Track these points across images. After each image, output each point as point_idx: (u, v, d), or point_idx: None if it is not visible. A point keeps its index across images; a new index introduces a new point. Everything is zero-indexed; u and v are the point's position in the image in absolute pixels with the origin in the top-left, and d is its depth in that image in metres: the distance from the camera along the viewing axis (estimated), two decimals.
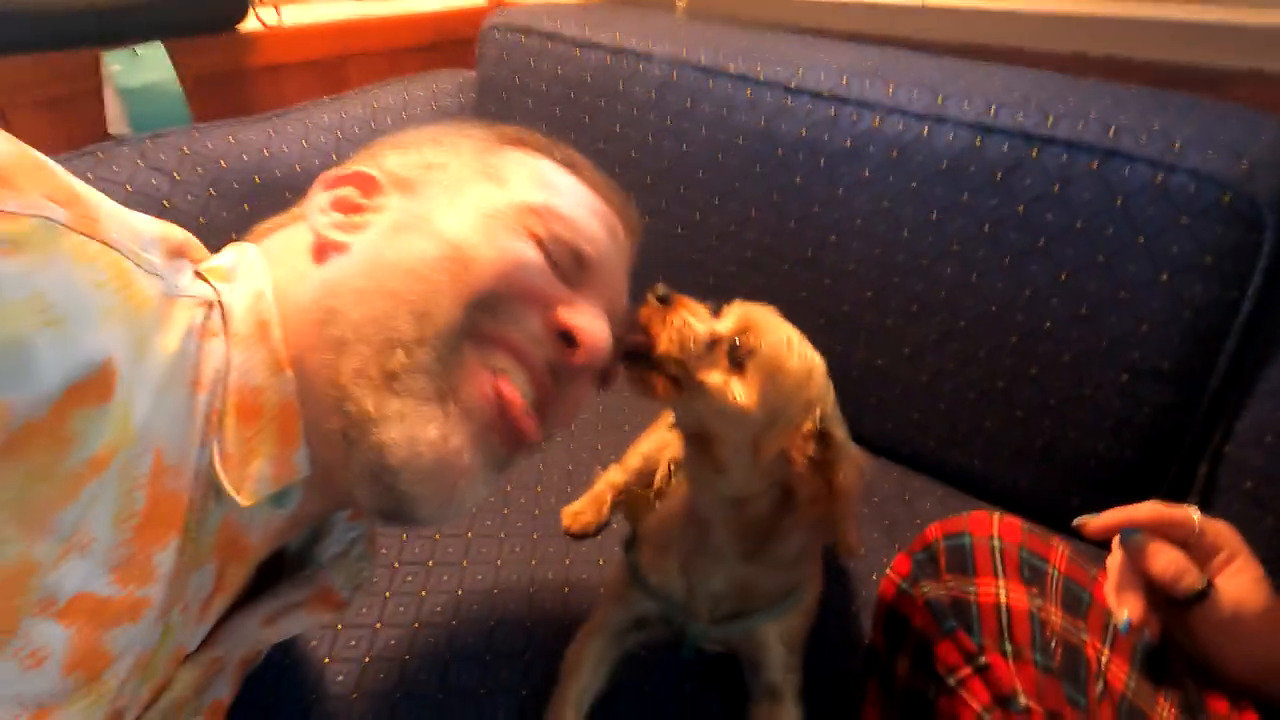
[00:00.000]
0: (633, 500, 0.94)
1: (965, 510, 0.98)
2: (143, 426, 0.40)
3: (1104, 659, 0.59)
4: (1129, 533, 0.55)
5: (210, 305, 0.47)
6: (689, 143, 1.12)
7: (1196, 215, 0.77)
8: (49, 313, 0.34)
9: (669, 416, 0.83)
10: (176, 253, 0.48)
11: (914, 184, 0.93)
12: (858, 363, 1.06)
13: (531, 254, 0.54)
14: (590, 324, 0.55)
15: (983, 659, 0.64)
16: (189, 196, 1.01)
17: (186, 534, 0.44)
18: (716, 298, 1.14)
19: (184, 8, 1.11)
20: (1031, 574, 0.65)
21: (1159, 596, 0.55)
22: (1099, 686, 0.58)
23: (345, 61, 1.39)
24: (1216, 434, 0.86)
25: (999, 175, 0.87)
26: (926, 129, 0.92)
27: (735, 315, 0.66)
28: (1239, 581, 0.54)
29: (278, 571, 0.59)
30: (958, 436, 1.01)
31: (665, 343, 0.62)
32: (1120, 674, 0.58)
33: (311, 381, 0.49)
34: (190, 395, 0.44)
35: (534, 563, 0.88)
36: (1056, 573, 0.64)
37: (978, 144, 0.88)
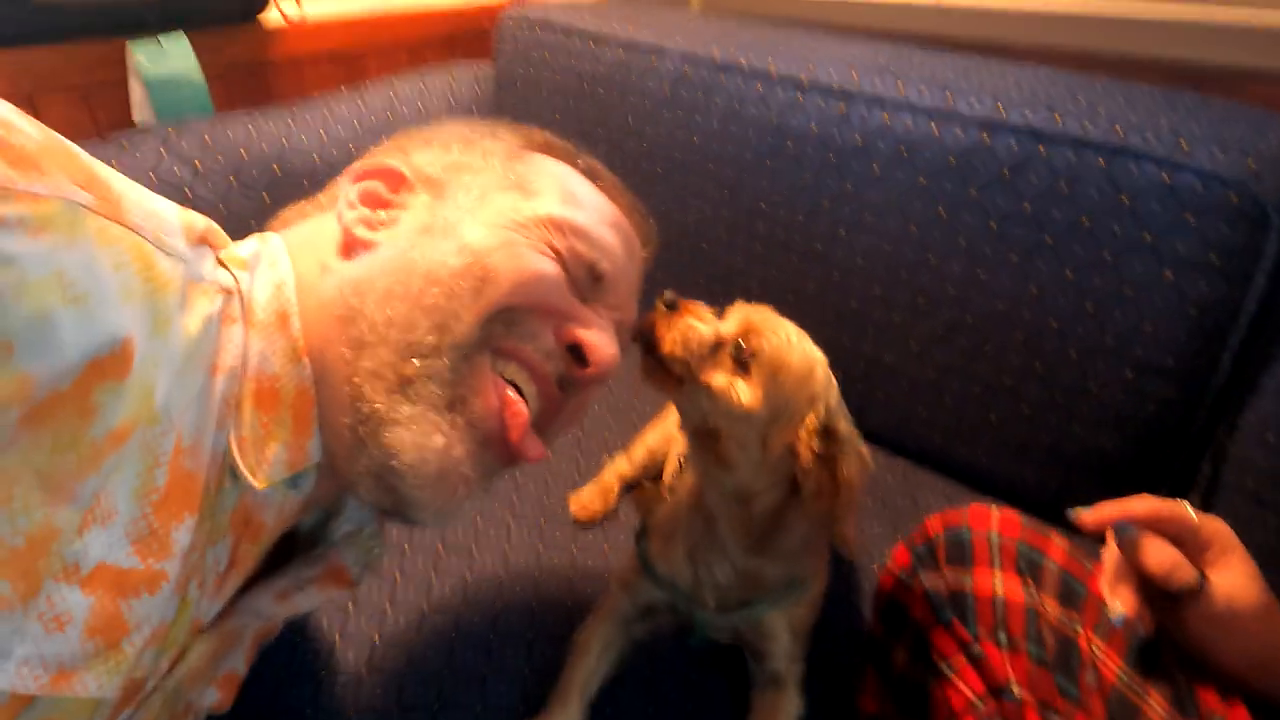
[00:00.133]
0: (643, 492, 0.96)
1: (969, 503, 0.99)
2: (164, 406, 0.42)
3: (1096, 650, 0.60)
4: (1123, 527, 0.56)
5: (230, 293, 0.49)
6: (701, 137, 1.13)
7: (1202, 214, 0.77)
8: (70, 290, 0.36)
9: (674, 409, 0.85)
10: (200, 239, 0.49)
11: (922, 180, 0.94)
12: (865, 357, 1.07)
13: (550, 268, 0.55)
14: (600, 340, 0.57)
15: (977, 649, 0.65)
16: (210, 185, 1.03)
17: (203, 512, 0.46)
18: (726, 288, 1.16)
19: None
20: (1028, 566, 0.65)
21: (1153, 590, 0.55)
22: (1091, 677, 0.59)
23: (365, 54, 1.41)
24: (1220, 431, 0.86)
25: (1007, 173, 0.87)
26: (935, 126, 0.92)
27: (738, 317, 0.67)
28: (1232, 577, 0.54)
29: (291, 549, 0.61)
30: (963, 431, 1.02)
31: (669, 344, 0.64)
32: (1112, 665, 0.59)
33: (329, 374, 0.51)
34: (208, 378, 0.46)
35: (541, 549, 0.90)
36: (1054, 566, 0.65)
37: (986, 141, 0.89)
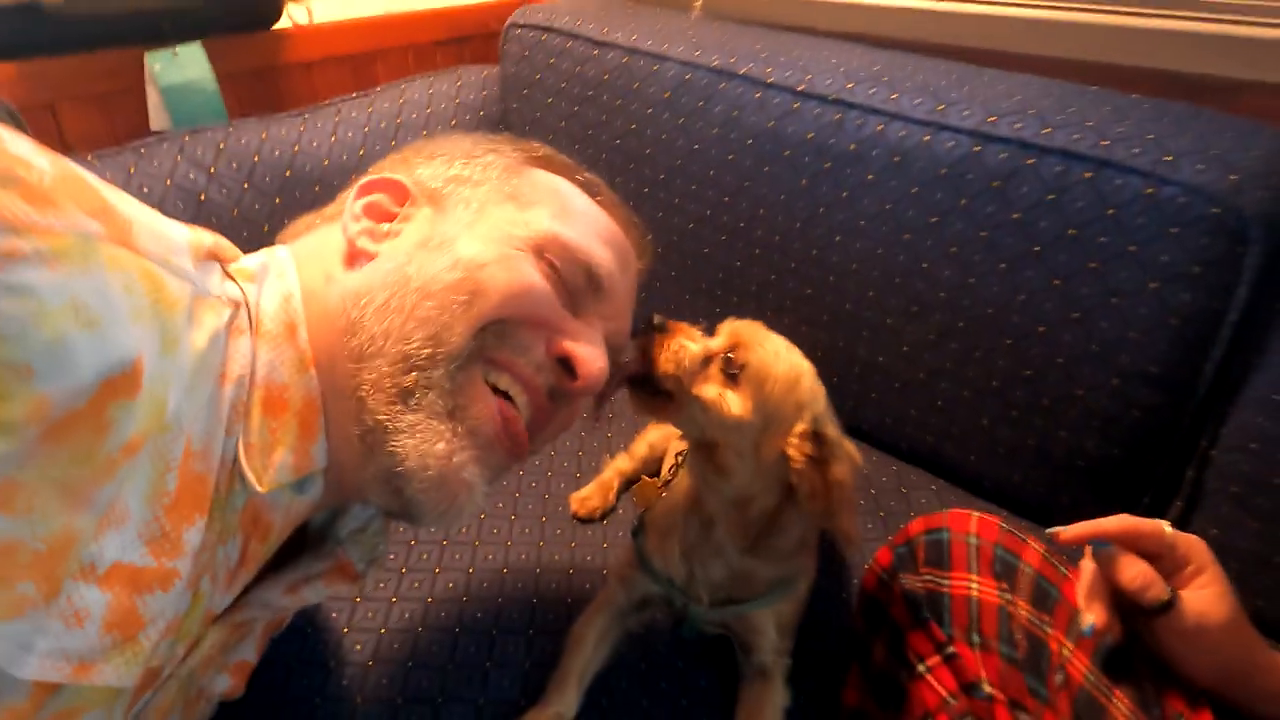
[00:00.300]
0: (642, 489, 1.00)
1: (959, 504, 1.01)
2: (174, 416, 0.44)
3: (1066, 652, 0.62)
4: (1100, 544, 0.58)
5: (237, 305, 0.51)
6: (701, 142, 1.15)
7: (1185, 227, 0.79)
8: (85, 315, 0.38)
9: None
10: (207, 255, 0.52)
11: (915, 188, 0.96)
12: (859, 359, 1.09)
13: (541, 282, 0.57)
14: (589, 354, 0.58)
15: (951, 649, 0.68)
16: (224, 190, 1.06)
17: (213, 513, 0.48)
18: (725, 290, 1.19)
19: (222, 9, 1.16)
20: (1004, 569, 0.68)
21: (1127, 604, 0.58)
22: (1059, 677, 0.61)
23: (374, 57, 1.43)
24: (1203, 439, 0.87)
25: (996, 183, 0.89)
26: (928, 136, 0.94)
27: (726, 332, 0.71)
28: (1204, 595, 0.56)
29: (300, 545, 0.63)
30: (954, 432, 1.04)
31: (664, 363, 0.68)
32: (1080, 667, 0.61)
33: (334, 383, 0.53)
34: (217, 387, 0.48)
35: (542, 544, 0.93)
36: (1029, 569, 0.67)
37: (976, 151, 0.90)
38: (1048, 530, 0.62)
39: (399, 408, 0.52)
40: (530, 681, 0.76)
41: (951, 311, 0.98)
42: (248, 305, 0.52)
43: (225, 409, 0.49)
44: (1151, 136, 0.83)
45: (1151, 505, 0.93)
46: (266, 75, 1.29)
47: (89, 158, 0.98)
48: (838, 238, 1.04)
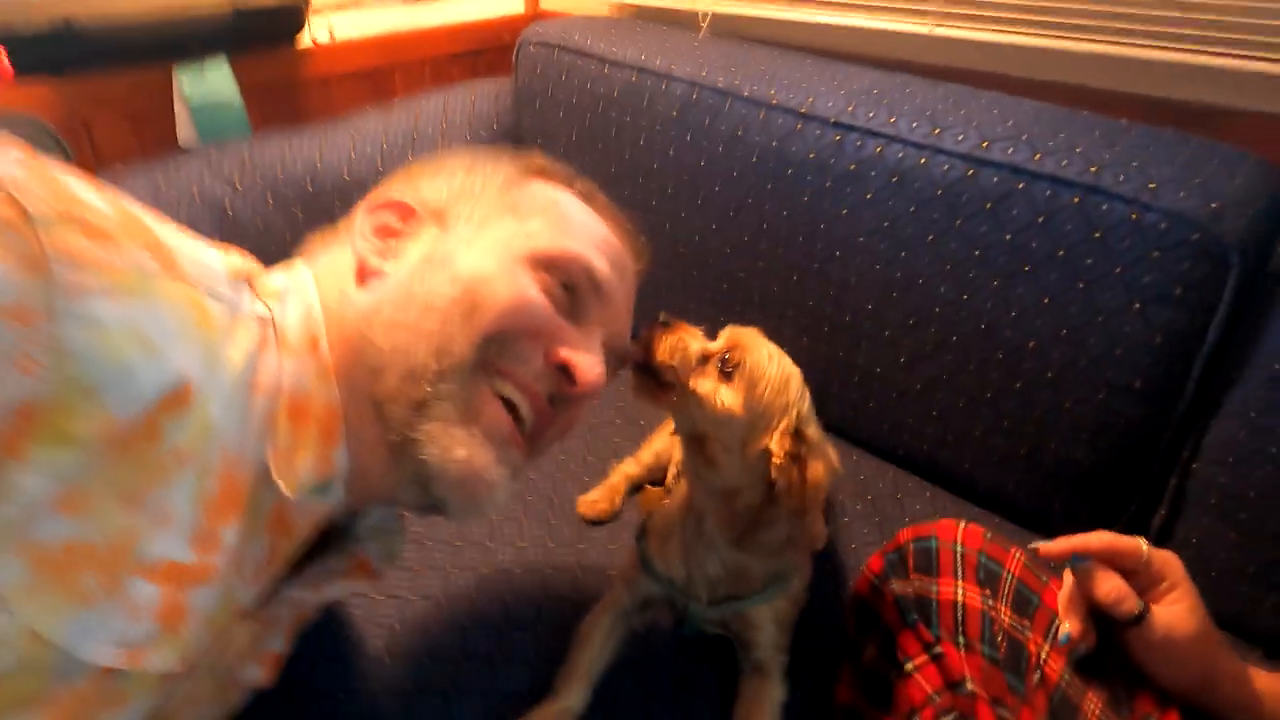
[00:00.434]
0: (646, 496, 1.04)
1: (953, 509, 1.05)
2: (216, 426, 0.49)
3: (1043, 654, 0.66)
4: (1079, 559, 0.62)
5: (265, 322, 0.55)
6: (707, 159, 1.18)
7: (1167, 251, 0.82)
8: (143, 341, 0.43)
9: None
10: (239, 277, 0.56)
11: (912, 208, 0.99)
12: (858, 368, 1.12)
13: (538, 295, 0.60)
14: (586, 361, 0.61)
15: (938, 649, 0.72)
16: (248, 202, 1.11)
17: (246, 514, 0.52)
18: (729, 300, 1.23)
19: (246, 26, 1.21)
20: (987, 576, 0.72)
21: (1103, 615, 0.62)
22: (1036, 676, 0.65)
23: (392, 70, 1.47)
24: (1185, 451, 0.91)
25: (989, 205, 0.93)
26: (924, 159, 0.97)
27: (725, 335, 0.76)
28: (1174, 610, 0.60)
29: (324, 543, 0.66)
30: (948, 440, 1.07)
31: (662, 353, 0.73)
32: (1057, 668, 0.65)
33: (354, 393, 0.57)
34: (250, 397, 0.52)
35: (551, 545, 0.97)
36: (1011, 576, 0.71)
37: (971, 175, 0.94)
38: (1030, 545, 0.66)
39: (416, 418, 0.56)
40: (539, 675, 0.80)
41: (947, 325, 1.01)
42: (274, 323, 0.56)
43: (257, 418, 0.53)
44: (1136, 164, 0.86)
45: (1137, 513, 0.97)
46: (288, 90, 1.33)
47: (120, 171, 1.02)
48: (838, 252, 1.08)
